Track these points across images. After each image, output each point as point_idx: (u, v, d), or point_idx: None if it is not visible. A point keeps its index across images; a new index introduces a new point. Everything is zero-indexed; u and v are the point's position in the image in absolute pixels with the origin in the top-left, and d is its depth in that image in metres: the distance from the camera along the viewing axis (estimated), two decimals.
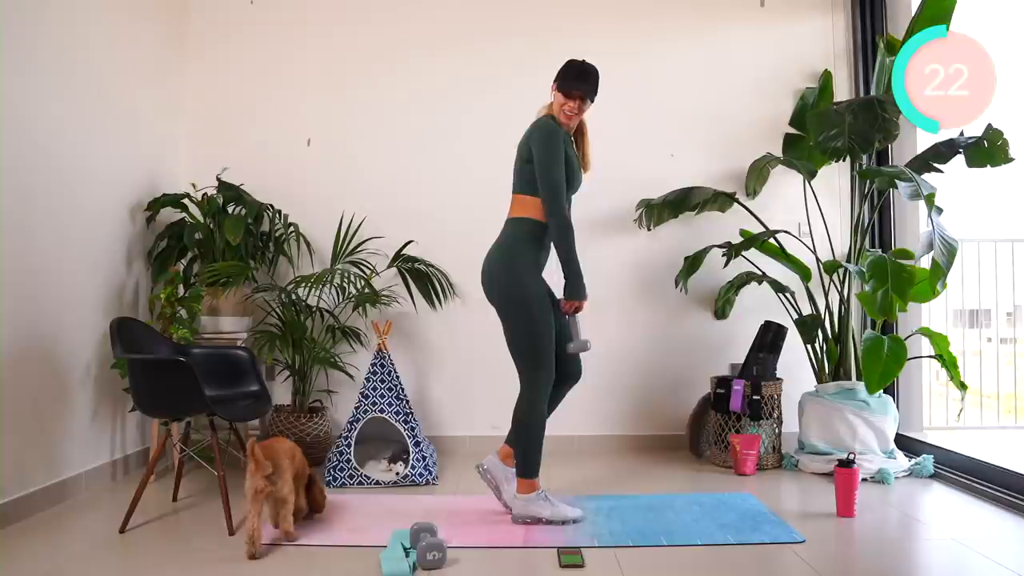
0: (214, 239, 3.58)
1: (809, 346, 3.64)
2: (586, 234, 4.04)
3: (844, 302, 3.59)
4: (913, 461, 3.41)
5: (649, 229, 3.93)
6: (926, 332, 3.48)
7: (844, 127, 3.31)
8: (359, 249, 3.89)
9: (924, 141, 3.59)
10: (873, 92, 3.71)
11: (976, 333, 4.60)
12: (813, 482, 3.30)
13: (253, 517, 2.32)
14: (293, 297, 3.65)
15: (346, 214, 3.92)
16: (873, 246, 3.93)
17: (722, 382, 3.63)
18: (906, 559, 2.48)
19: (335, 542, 2.49)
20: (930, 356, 3.55)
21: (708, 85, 4.11)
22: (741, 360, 3.71)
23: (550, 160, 2.64)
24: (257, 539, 2.31)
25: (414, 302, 3.86)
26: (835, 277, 3.62)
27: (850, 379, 3.53)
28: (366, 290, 3.70)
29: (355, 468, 3.24)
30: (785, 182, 4.00)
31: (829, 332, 3.61)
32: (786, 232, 3.72)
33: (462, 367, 3.99)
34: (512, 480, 2.72)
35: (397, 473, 3.27)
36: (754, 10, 4.13)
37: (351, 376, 3.89)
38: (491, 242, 3.97)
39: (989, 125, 3.17)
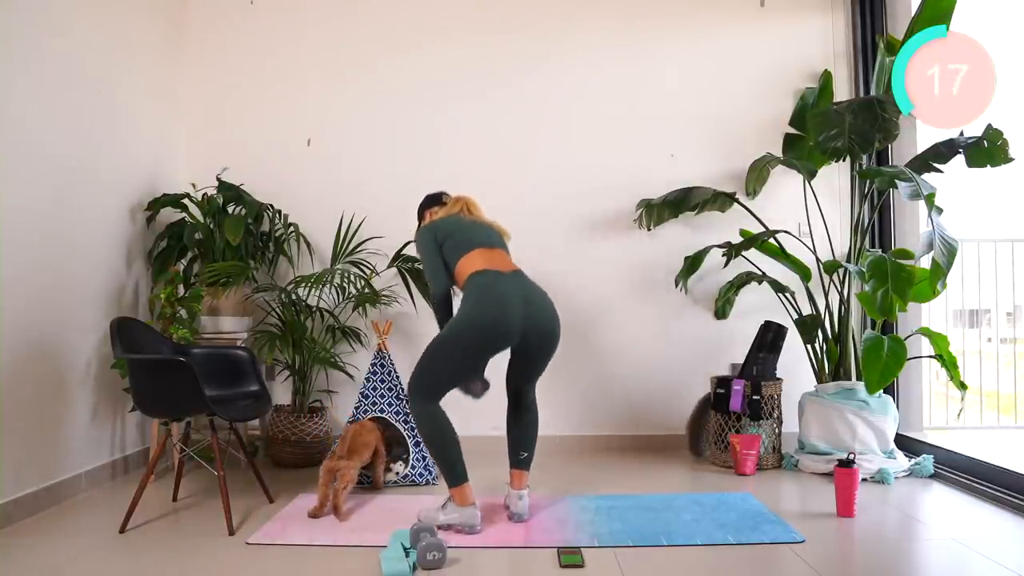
0: (214, 239, 3.58)
1: (809, 346, 3.63)
2: (586, 234, 4.06)
3: (844, 302, 3.58)
4: (913, 461, 3.41)
5: (649, 229, 3.93)
6: (926, 332, 3.48)
7: (844, 127, 3.30)
8: (359, 249, 3.89)
9: (924, 141, 3.59)
10: (873, 92, 3.71)
11: (976, 333, 4.60)
12: (813, 482, 3.30)
13: (323, 487, 2.79)
14: (293, 297, 3.65)
15: (346, 214, 3.92)
16: (873, 246, 3.93)
17: (722, 382, 3.63)
18: (906, 559, 2.48)
19: (335, 542, 2.49)
20: (930, 356, 3.54)
21: (708, 85, 4.11)
22: (741, 360, 3.71)
23: None
24: (323, 504, 2.77)
25: (414, 302, 3.86)
26: (835, 277, 3.62)
27: (850, 379, 3.53)
28: (366, 290, 3.70)
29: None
30: (785, 182, 4.00)
31: (829, 332, 3.61)
32: (786, 232, 3.72)
33: None
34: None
35: (397, 473, 3.27)
36: (754, 10, 4.13)
37: (351, 376, 3.89)
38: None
39: (989, 125, 3.17)
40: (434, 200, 3.09)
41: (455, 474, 2.61)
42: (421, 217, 3.10)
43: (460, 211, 2.93)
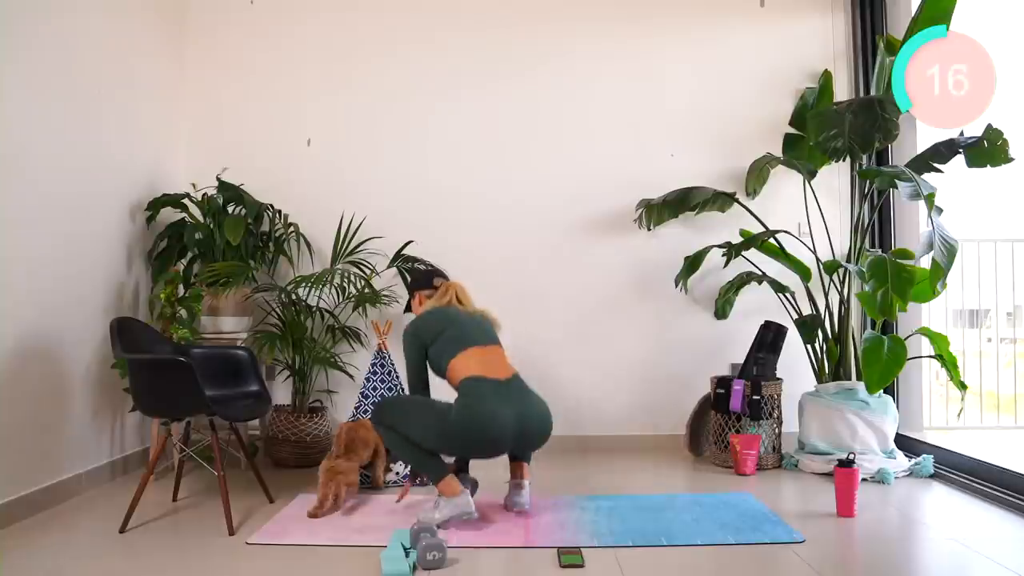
0: (214, 239, 3.58)
1: (809, 346, 3.64)
2: (586, 234, 4.06)
3: (844, 302, 3.58)
4: (913, 461, 3.41)
5: (649, 229, 3.93)
6: (926, 332, 3.48)
7: (844, 127, 3.30)
8: (359, 249, 3.89)
9: (924, 141, 3.59)
10: (873, 92, 3.71)
11: (976, 333, 4.60)
12: (813, 482, 3.30)
13: (323, 487, 2.81)
14: (293, 297, 3.65)
15: (346, 214, 3.92)
16: (873, 246, 3.93)
17: (722, 382, 3.63)
18: (906, 559, 2.48)
19: (335, 542, 2.49)
20: (930, 356, 3.55)
21: (708, 85, 4.11)
22: (741, 360, 3.71)
23: None
24: (323, 504, 2.77)
25: None
26: (835, 277, 3.62)
27: (850, 379, 3.53)
28: (366, 290, 3.70)
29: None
30: (785, 182, 4.00)
31: (829, 332, 3.60)
32: (786, 232, 3.72)
33: None
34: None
35: (397, 473, 3.27)
36: (754, 10, 4.13)
37: (351, 376, 3.89)
38: (492, 243, 4.01)
39: (989, 125, 3.17)
40: (426, 282, 3.03)
41: (435, 469, 2.65)
42: (411, 295, 3.07)
43: (449, 301, 2.91)
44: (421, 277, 3.08)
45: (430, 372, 2.86)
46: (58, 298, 3.01)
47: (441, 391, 2.82)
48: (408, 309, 3.11)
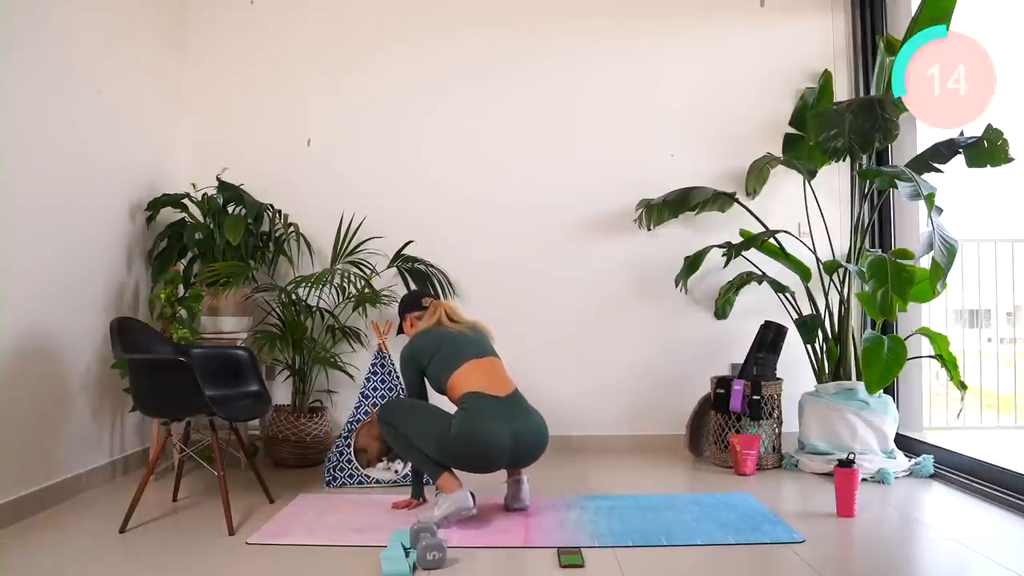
0: (214, 239, 3.58)
1: (809, 346, 3.63)
2: (586, 234, 4.06)
3: (844, 302, 3.58)
4: (913, 461, 3.41)
5: (649, 229, 3.93)
6: (926, 332, 3.48)
7: (844, 127, 3.30)
8: (359, 249, 3.89)
9: (924, 141, 3.59)
10: (873, 92, 3.71)
11: (976, 333, 4.60)
12: (813, 482, 3.30)
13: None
14: (293, 297, 3.65)
15: (346, 214, 3.92)
16: (873, 246, 3.93)
17: (722, 382, 3.63)
18: (906, 559, 2.48)
19: (335, 542, 2.49)
20: (930, 356, 3.54)
21: (708, 85, 4.11)
22: (741, 360, 3.71)
23: None
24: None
25: None
26: (835, 277, 3.62)
27: (850, 379, 3.53)
28: (366, 290, 3.70)
29: (355, 468, 3.24)
30: (785, 182, 4.00)
31: (829, 332, 3.60)
32: (786, 232, 3.72)
33: None
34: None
35: (397, 472, 3.27)
36: (754, 10, 4.13)
37: (351, 376, 3.89)
38: (492, 243, 4.01)
39: (989, 125, 3.16)
40: (414, 304, 3.06)
41: (434, 467, 2.66)
42: (403, 318, 3.09)
43: (439, 320, 2.93)
44: (409, 299, 3.11)
45: (431, 390, 2.88)
46: (58, 298, 3.01)
47: (442, 405, 2.82)
48: (400, 331, 3.12)
